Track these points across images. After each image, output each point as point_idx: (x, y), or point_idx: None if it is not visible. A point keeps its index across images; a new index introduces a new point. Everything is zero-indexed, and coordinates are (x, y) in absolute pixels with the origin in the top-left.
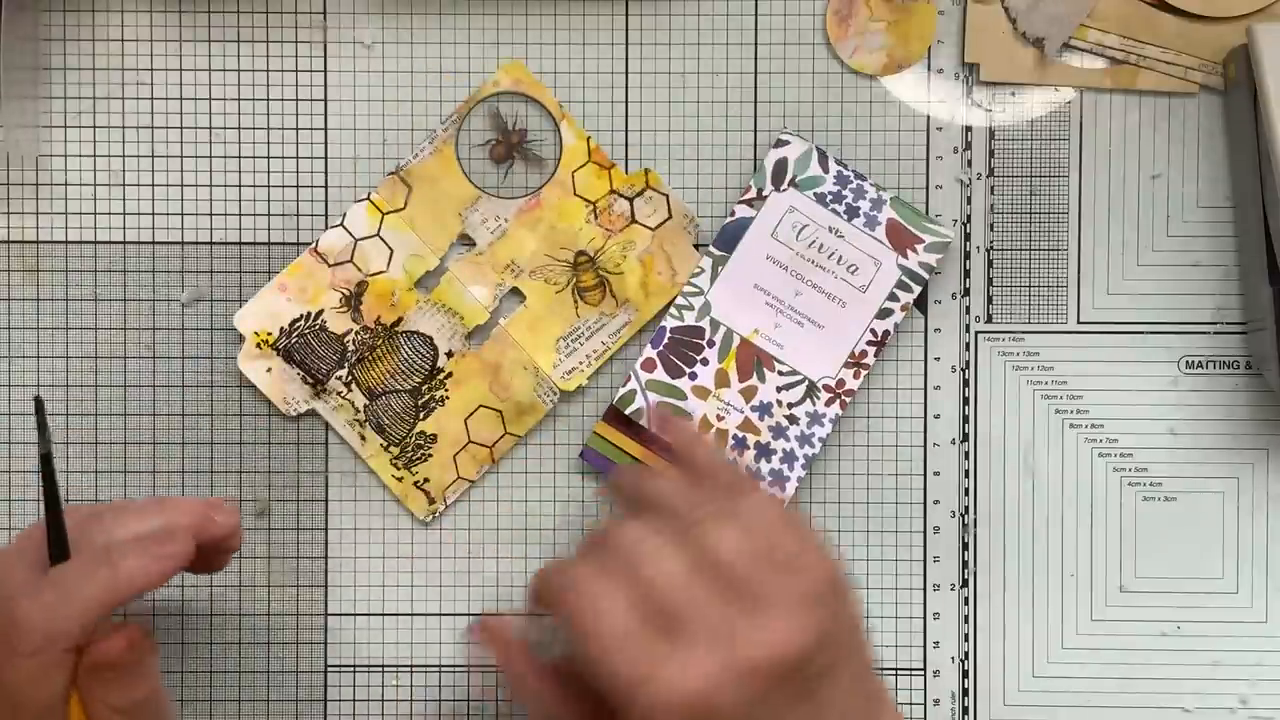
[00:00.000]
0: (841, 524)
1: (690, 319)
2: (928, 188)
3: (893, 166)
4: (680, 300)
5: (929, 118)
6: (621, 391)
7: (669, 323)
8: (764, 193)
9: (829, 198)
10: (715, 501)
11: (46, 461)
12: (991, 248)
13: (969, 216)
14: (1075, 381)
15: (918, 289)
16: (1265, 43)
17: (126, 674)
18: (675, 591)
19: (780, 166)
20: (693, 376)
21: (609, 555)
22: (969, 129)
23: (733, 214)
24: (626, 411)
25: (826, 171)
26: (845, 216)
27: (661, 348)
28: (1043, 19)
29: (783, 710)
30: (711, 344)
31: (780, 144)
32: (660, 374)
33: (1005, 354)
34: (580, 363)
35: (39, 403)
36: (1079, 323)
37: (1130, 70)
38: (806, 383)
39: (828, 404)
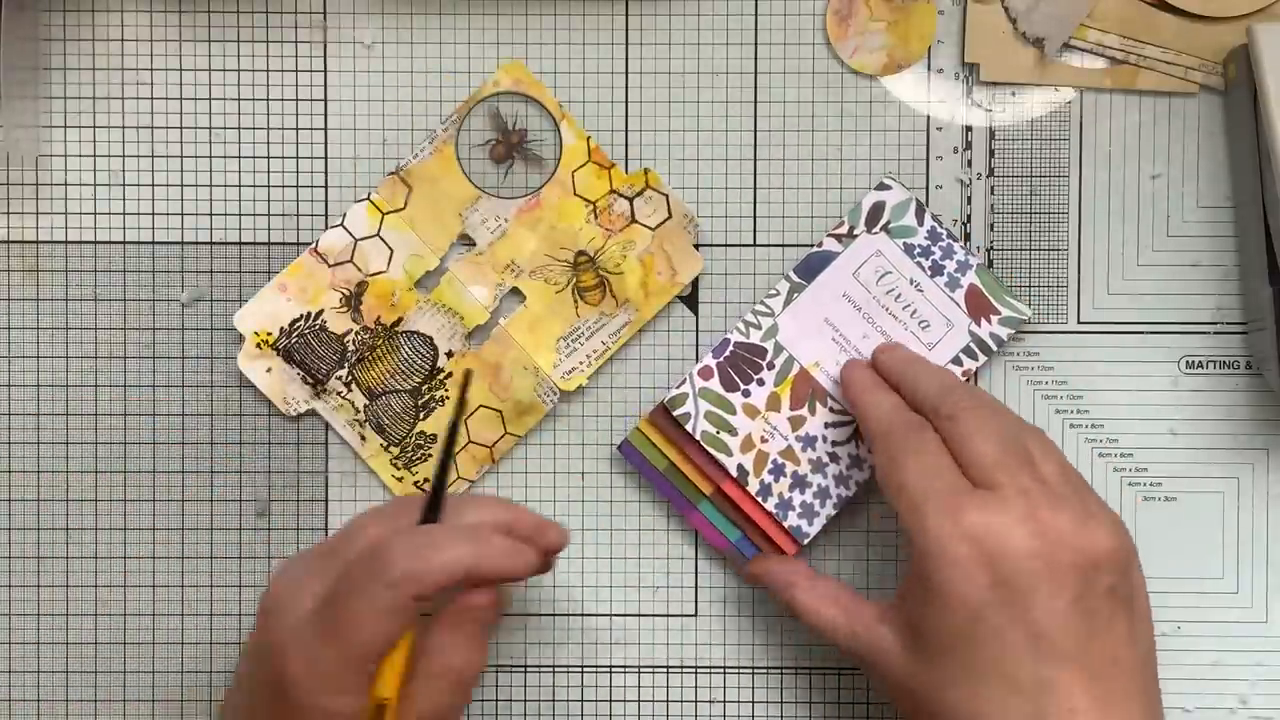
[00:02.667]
0: (841, 524)
1: (756, 337)
2: (928, 188)
3: (893, 167)
4: (749, 317)
5: (929, 118)
6: (674, 393)
7: (734, 336)
8: (855, 231)
9: (917, 250)
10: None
11: (453, 430)
12: (991, 248)
13: (969, 216)
14: (1075, 381)
15: (983, 359)
16: (1265, 43)
17: (471, 638)
18: (990, 456)
19: (876, 210)
20: (745, 394)
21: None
22: (969, 129)
23: (820, 244)
24: (675, 413)
25: (921, 224)
26: (929, 272)
27: (722, 359)
28: (1043, 19)
29: (1050, 594)
30: (771, 366)
31: (882, 188)
32: (715, 384)
33: (1005, 354)
34: (580, 363)
35: (468, 374)
36: (1079, 323)
37: (1130, 70)
38: (854, 425)
39: (869, 450)
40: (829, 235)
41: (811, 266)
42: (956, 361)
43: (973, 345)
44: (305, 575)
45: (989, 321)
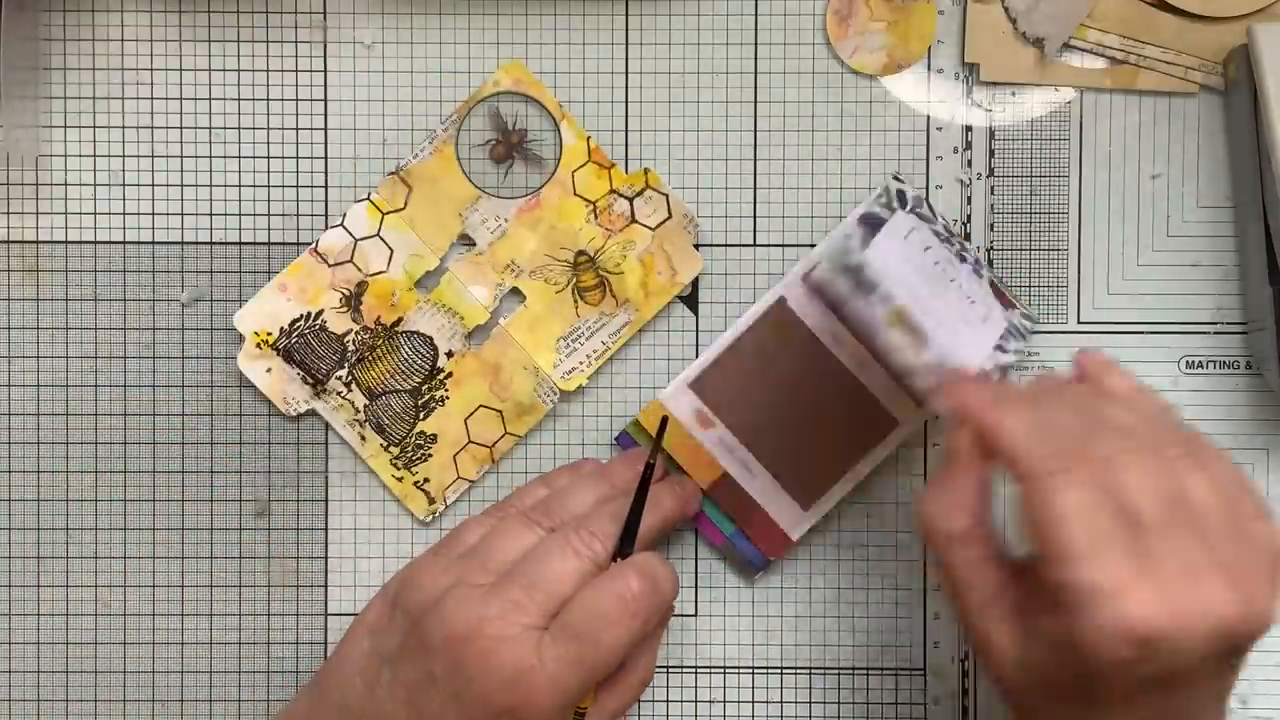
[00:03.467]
0: (841, 523)
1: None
2: (928, 188)
3: (893, 167)
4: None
5: (929, 118)
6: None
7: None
8: (892, 205)
9: (941, 236)
10: (1179, 443)
11: (649, 470)
12: (991, 248)
13: (969, 216)
14: None
15: (1023, 344)
16: (1265, 43)
17: (655, 648)
18: (1155, 509)
19: (901, 195)
20: None
21: (1084, 449)
22: (969, 129)
23: (867, 213)
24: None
25: (936, 219)
26: (957, 258)
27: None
28: (1043, 19)
29: (1204, 678)
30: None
31: (897, 179)
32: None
33: None
34: (580, 363)
35: (664, 422)
36: (1079, 323)
37: (1130, 70)
38: None
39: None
40: (876, 204)
41: (871, 224)
42: (1001, 345)
43: (1012, 328)
44: (512, 610)
45: (1015, 309)
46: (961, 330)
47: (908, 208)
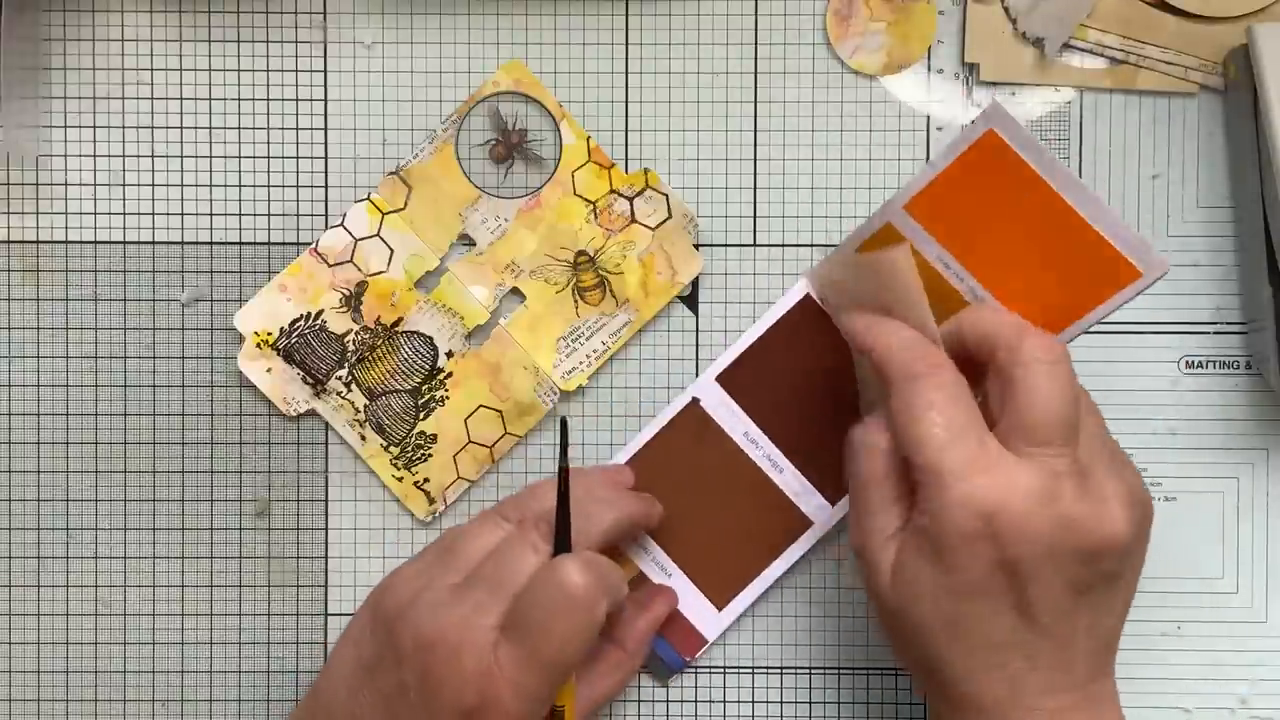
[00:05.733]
0: (840, 523)
1: None
2: None
3: (893, 166)
4: None
5: (929, 118)
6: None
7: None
8: None
9: None
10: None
11: (564, 474)
12: None
13: None
14: None
15: None
16: (1265, 43)
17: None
18: (1035, 422)
19: None
20: None
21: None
22: None
23: None
24: None
25: None
26: None
27: None
28: (1043, 19)
29: (1053, 573)
30: None
31: None
32: None
33: None
34: (580, 363)
35: (563, 422)
36: None
37: (1130, 70)
38: None
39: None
40: None
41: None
42: None
43: None
44: (473, 612)
45: None
46: None
47: None
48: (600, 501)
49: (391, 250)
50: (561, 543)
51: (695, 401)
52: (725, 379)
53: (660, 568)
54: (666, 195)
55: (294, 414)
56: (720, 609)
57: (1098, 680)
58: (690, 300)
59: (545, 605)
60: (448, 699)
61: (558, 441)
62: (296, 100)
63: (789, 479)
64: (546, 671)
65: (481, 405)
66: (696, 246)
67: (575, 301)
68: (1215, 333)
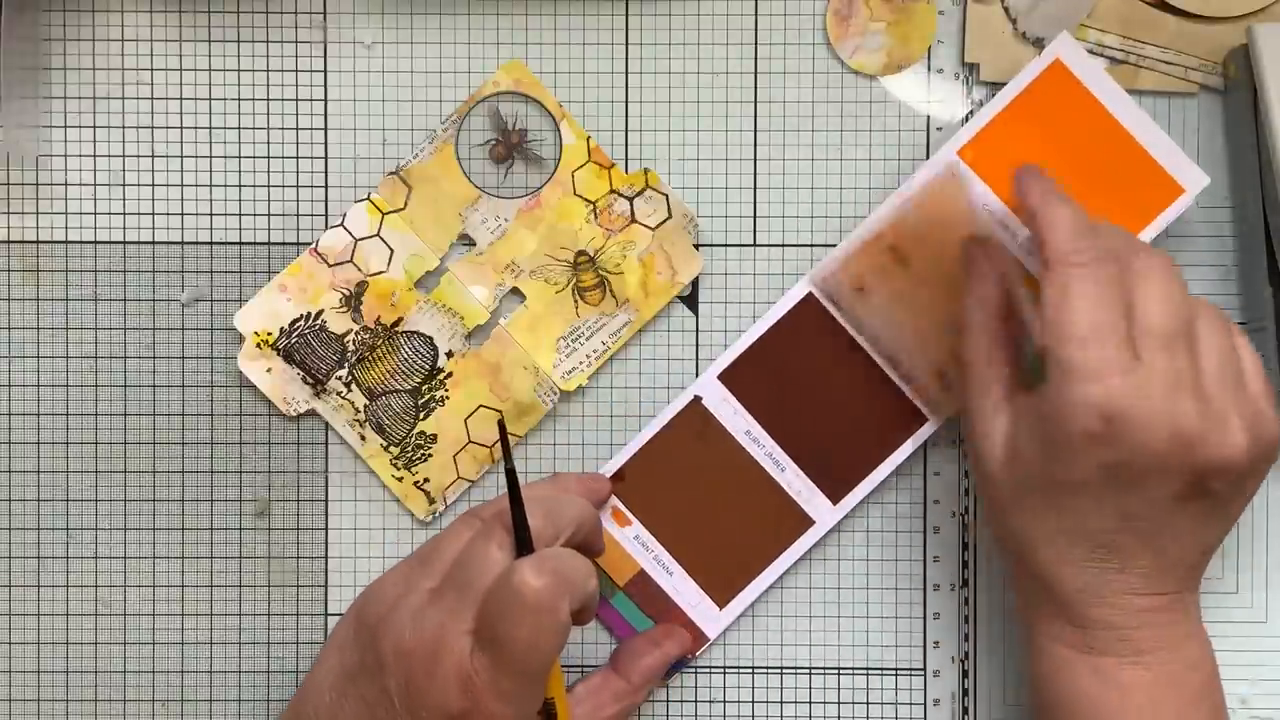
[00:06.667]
0: (840, 523)
1: None
2: None
3: (892, 166)
4: None
5: (929, 118)
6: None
7: None
8: None
9: None
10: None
11: (511, 474)
12: None
13: None
14: None
15: None
16: (1265, 43)
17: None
18: (1162, 325)
19: None
20: None
21: (1115, 257)
22: None
23: None
24: None
25: None
26: None
27: None
28: (1043, 19)
29: (1161, 484)
30: None
31: None
32: None
33: None
34: (580, 363)
35: (501, 424)
36: None
37: (1130, 70)
38: None
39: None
40: None
41: None
42: None
43: None
44: (448, 618)
45: None
46: None
47: None
48: (569, 496)
49: (391, 250)
50: (521, 543)
51: (697, 399)
52: (727, 377)
53: (662, 566)
54: (666, 195)
55: (294, 414)
56: (721, 607)
57: (1182, 592)
58: (690, 300)
59: (506, 613)
60: (433, 705)
61: (501, 442)
62: (296, 100)
63: (791, 478)
64: (521, 676)
65: (481, 405)
66: (696, 246)
67: (575, 301)
68: None
